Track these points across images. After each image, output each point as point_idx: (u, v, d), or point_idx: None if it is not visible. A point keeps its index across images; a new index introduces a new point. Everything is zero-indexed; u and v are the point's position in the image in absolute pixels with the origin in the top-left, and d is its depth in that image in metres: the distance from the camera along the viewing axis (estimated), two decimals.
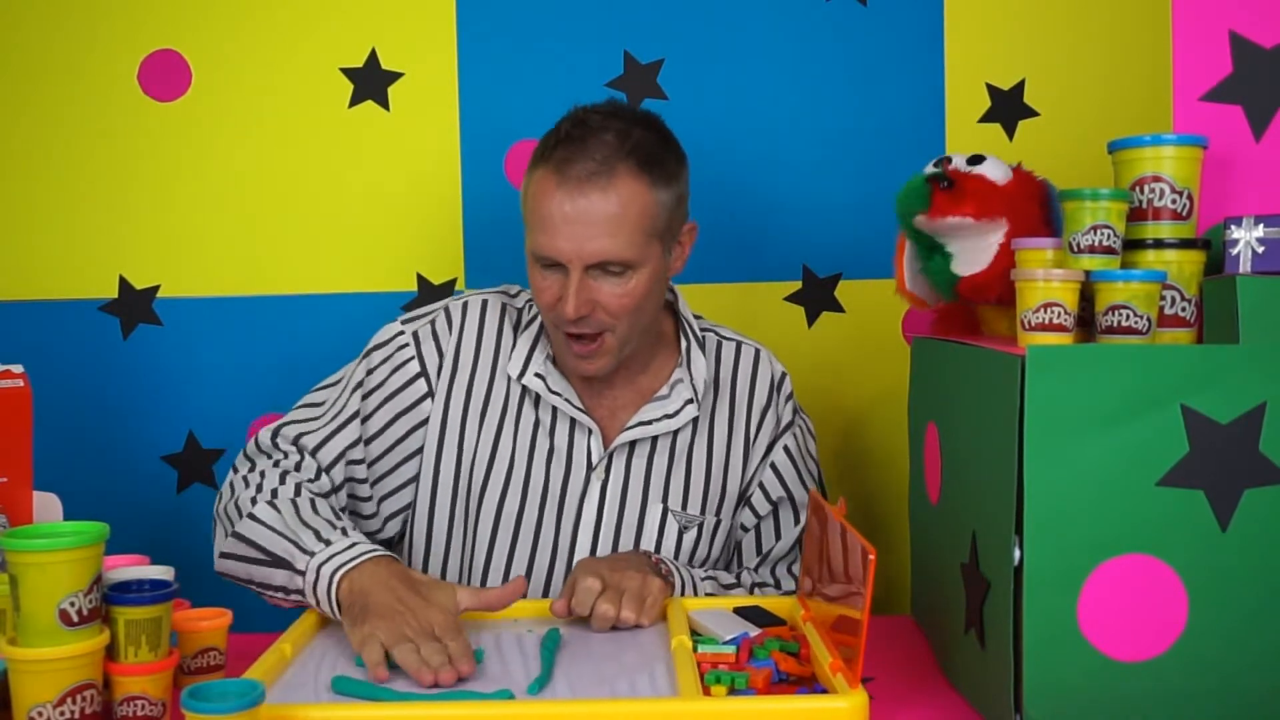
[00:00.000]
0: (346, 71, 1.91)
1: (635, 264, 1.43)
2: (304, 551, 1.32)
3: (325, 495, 1.47)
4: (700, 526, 1.54)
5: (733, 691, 1.11)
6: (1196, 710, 1.06)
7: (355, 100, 1.91)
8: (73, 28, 1.90)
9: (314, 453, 1.48)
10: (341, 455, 1.49)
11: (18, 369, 1.35)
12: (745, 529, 1.60)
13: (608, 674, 1.20)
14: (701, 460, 1.56)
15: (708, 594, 1.46)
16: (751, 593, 1.54)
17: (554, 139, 1.45)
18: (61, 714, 1.02)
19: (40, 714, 1.02)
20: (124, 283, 1.91)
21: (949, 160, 1.38)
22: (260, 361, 1.90)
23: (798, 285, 1.94)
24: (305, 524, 1.36)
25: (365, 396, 1.52)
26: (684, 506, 1.54)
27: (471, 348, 1.54)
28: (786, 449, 1.59)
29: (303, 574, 1.31)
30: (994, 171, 1.35)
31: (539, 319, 1.54)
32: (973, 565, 1.18)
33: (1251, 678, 1.06)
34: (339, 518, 1.40)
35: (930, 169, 1.39)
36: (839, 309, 1.94)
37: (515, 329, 1.56)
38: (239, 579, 1.41)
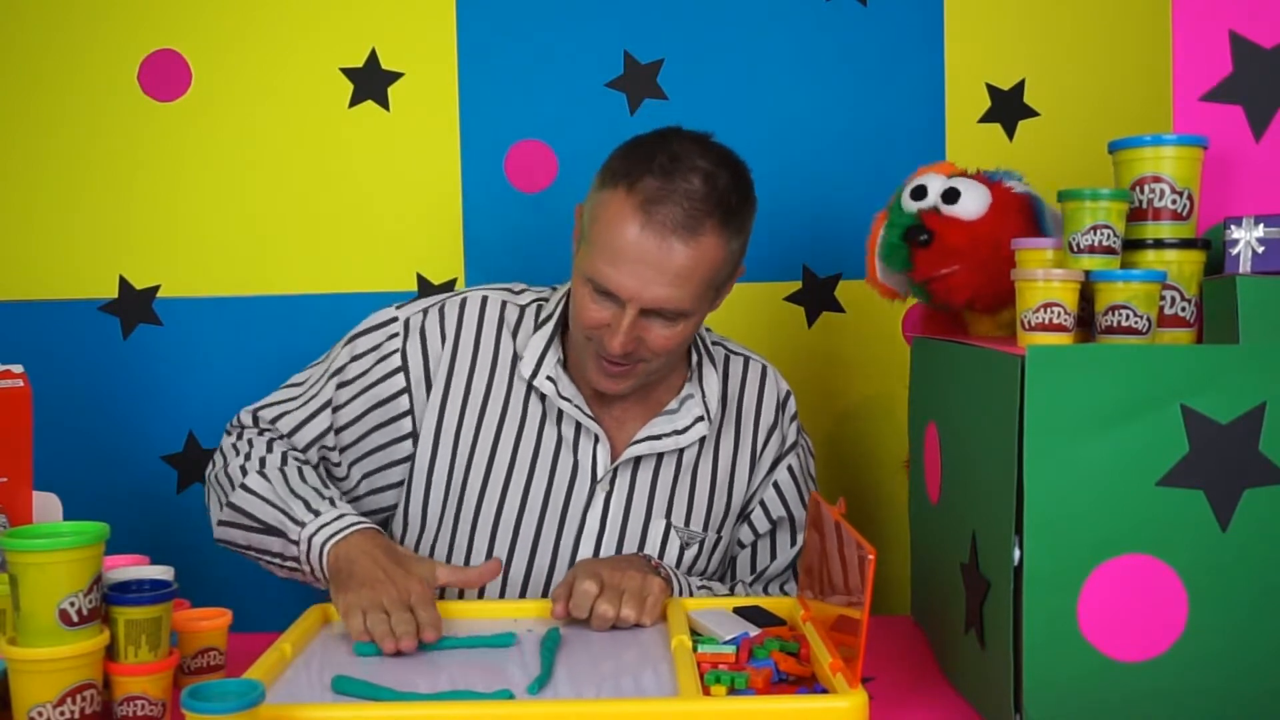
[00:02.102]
0: (346, 71, 1.91)
1: (691, 313, 1.42)
2: (295, 522, 1.38)
3: (310, 465, 1.50)
4: (701, 543, 1.54)
5: (732, 691, 1.10)
6: (1196, 710, 1.06)
7: (355, 100, 1.91)
8: (73, 28, 1.90)
9: (289, 435, 1.51)
10: (314, 442, 1.51)
11: (18, 369, 1.35)
12: (742, 545, 1.59)
13: (607, 673, 1.20)
14: (707, 477, 1.55)
15: None
16: None
17: (643, 166, 1.38)
18: (61, 714, 1.02)
19: (40, 714, 1.02)
20: (124, 283, 1.92)
21: (925, 192, 1.37)
22: (260, 361, 1.90)
23: (798, 285, 1.94)
24: (294, 493, 1.41)
25: (341, 385, 1.51)
26: (687, 523, 1.53)
27: (469, 349, 1.52)
28: (790, 468, 1.59)
29: (295, 543, 1.37)
30: (970, 205, 1.35)
31: (553, 321, 1.52)
32: (973, 565, 1.18)
33: (1251, 678, 1.06)
34: (326, 486, 1.45)
35: (908, 204, 1.38)
36: (839, 309, 1.94)
37: (516, 330, 1.53)
38: (239, 545, 1.45)
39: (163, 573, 1.18)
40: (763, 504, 1.58)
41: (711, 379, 1.54)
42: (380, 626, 1.23)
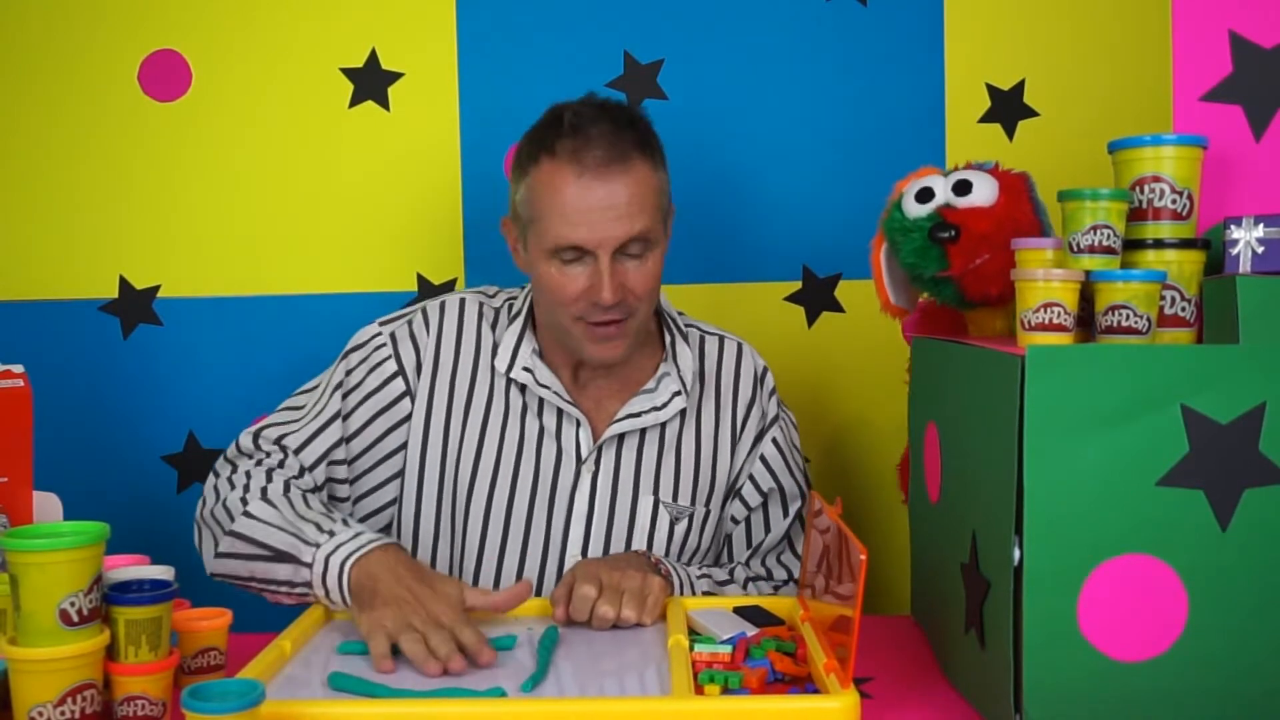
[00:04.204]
0: (346, 71, 1.91)
1: (654, 242, 1.46)
2: (308, 544, 1.34)
3: (311, 491, 1.48)
4: (691, 518, 1.56)
5: (726, 691, 1.11)
6: (1196, 710, 1.06)
7: (355, 100, 1.91)
8: (73, 28, 1.90)
9: (297, 453, 1.49)
10: (324, 456, 1.50)
11: (18, 369, 1.35)
12: (735, 521, 1.61)
13: (602, 672, 1.20)
14: (690, 451, 1.57)
15: (704, 592, 1.46)
16: (745, 587, 1.54)
17: (553, 133, 1.45)
18: (61, 714, 1.02)
19: (40, 714, 1.02)
20: (124, 283, 1.92)
21: (932, 193, 1.37)
22: (260, 361, 1.90)
23: (798, 285, 1.94)
24: (304, 518, 1.38)
25: (345, 395, 1.53)
26: (674, 498, 1.55)
27: (452, 346, 1.55)
28: (775, 441, 1.61)
29: (309, 565, 1.33)
30: (984, 194, 1.34)
31: (522, 315, 1.55)
32: (973, 565, 1.18)
33: (1251, 678, 1.06)
34: (331, 511, 1.42)
35: (915, 209, 1.37)
36: (839, 309, 1.94)
37: (494, 327, 1.56)
38: (238, 578, 1.41)
39: (163, 573, 1.18)
40: (751, 478, 1.60)
41: (686, 356, 1.58)
42: (417, 648, 1.20)
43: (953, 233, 1.32)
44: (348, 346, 1.57)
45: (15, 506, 1.33)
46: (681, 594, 1.43)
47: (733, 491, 1.60)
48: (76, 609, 1.03)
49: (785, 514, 1.61)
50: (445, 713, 1.06)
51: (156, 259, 1.92)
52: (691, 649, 1.21)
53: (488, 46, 1.91)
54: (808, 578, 1.30)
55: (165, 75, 1.90)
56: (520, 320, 1.55)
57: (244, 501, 1.41)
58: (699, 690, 1.10)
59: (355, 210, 1.92)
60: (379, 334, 1.56)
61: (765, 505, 1.61)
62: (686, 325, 1.63)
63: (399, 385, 1.53)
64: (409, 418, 1.53)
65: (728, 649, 1.20)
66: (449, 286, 1.92)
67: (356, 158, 1.91)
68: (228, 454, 1.52)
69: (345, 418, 1.52)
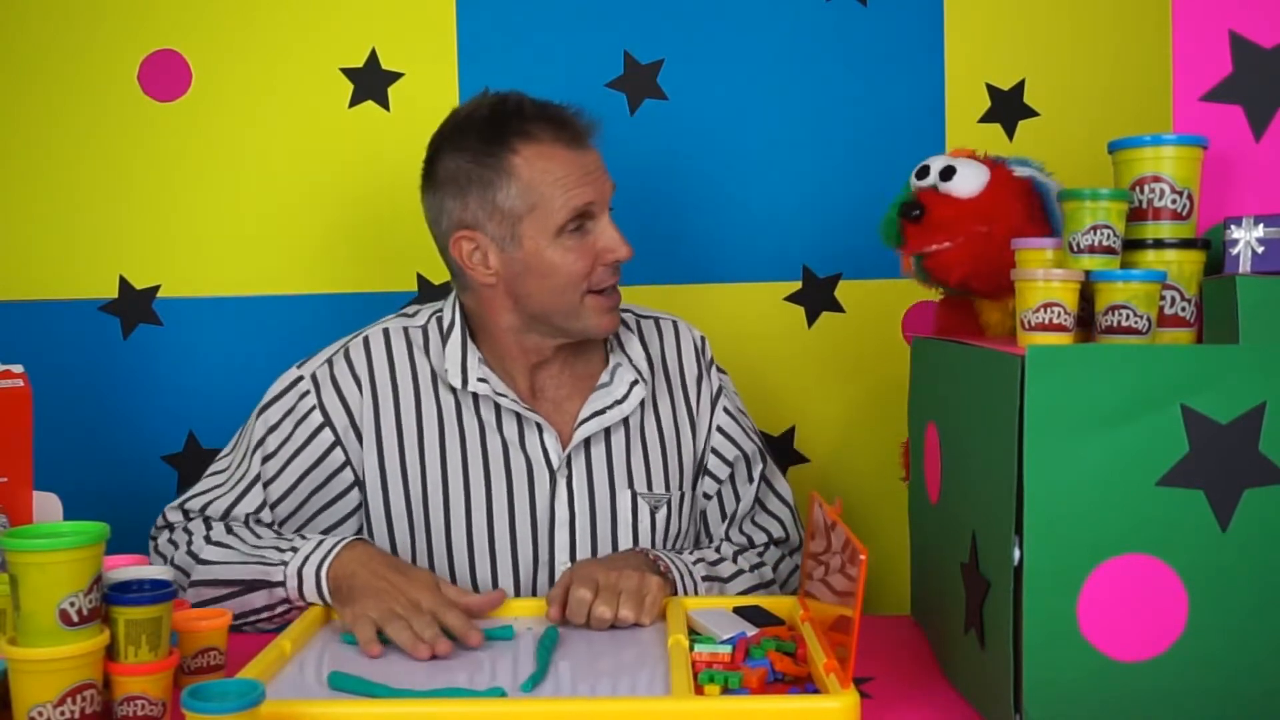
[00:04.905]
0: (346, 71, 1.91)
1: None
2: (274, 565, 1.38)
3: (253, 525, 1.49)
4: (669, 504, 1.56)
5: (726, 691, 1.11)
6: (1196, 710, 1.06)
7: (355, 100, 1.91)
8: (73, 28, 1.90)
9: (221, 519, 1.50)
10: (246, 522, 1.50)
11: (18, 369, 1.35)
12: (708, 496, 1.61)
13: (602, 672, 1.20)
14: (655, 438, 1.57)
15: (703, 577, 1.46)
16: (736, 560, 1.54)
17: (516, 123, 1.47)
18: (61, 714, 1.02)
19: (40, 714, 1.02)
20: (124, 283, 1.92)
21: (927, 172, 1.38)
22: (260, 361, 1.89)
23: (798, 285, 1.94)
24: (259, 546, 1.41)
25: (266, 459, 1.51)
26: (649, 487, 1.55)
27: (388, 384, 1.52)
28: (726, 410, 1.62)
29: (282, 584, 1.36)
30: (967, 184, 1.35)
31: (457, 327, 1.53)
32: (973, 565, 1.18)
33: (1251, 678, 1.06)
34: (281, 531, 1.45)
35: (913, 181, 1.39)
36: (839, 309, 1.94)
37: (427, 351, 1.54)
38: None
39: (163, 573, 1.18)
40: (715, 451, 1.61)
41: (633, 343, 1.59)
42: (404, 634, 1.23)
43: (916, 213, 1.34)
44: (265, 398, 1.54)
45: (15, 506, 1.33)
46: (683, 585, 1.43)
47: (701, 469, 1.61)
48: (76, 609, 1.03)
49: (750, 478, 1.62)
50: (445, 713, 1.06)
51: (156, 259, 1.92)
52: (691, 649, 1.21)
53: (488, 46, 1.91)
54: (807, 579, 1.30)
55: (165, 75, 1.90)
56: (457, 332, 1.53)
57: (193, 555, 1.44)
58: (699, 690, 1.10)
59: (355, 210, 1.92)
60: (300, 378, 1.53)
61: (733, 476, 1.61)
62: (621, 311, 1.62)
63: (327, 437, 1.51)
64: (344, 465, 1.51)
65: (728, 649, 1.20)
66: (449, 286, 1.92)
67: (356, 158, 1.91)
68: (158, 524, 1.53)
69: (267, 483, 1.50)
